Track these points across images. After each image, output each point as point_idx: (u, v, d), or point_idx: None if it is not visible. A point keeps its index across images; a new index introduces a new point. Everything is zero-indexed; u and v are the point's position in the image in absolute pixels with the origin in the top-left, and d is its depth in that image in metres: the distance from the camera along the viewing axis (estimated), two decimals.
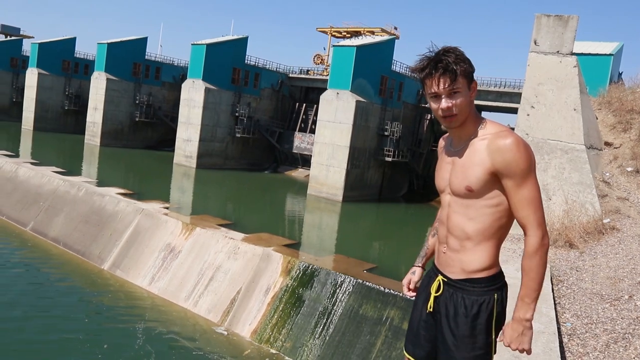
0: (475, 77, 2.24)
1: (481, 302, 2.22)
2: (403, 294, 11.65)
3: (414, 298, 2.59)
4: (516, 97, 34.72)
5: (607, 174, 9.72)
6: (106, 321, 15.84)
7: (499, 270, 2.29)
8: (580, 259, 6.95)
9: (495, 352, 2.25)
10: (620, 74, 34.29)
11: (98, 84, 49.13)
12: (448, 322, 2.26)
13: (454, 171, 2.27)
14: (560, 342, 4.69)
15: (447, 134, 2.48)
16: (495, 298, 2.23)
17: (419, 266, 2.66)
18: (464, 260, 2.25)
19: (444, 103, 2.18)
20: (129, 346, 14.27)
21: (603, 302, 5.60)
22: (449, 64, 2.13)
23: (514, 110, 32.25)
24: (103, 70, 48.93)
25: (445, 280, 2.31)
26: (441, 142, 2.52)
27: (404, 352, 2.53)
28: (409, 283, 2.65)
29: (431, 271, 2.48)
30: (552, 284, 5.92)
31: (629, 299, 5.62)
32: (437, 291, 2.33)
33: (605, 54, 32.78)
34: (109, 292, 17.92)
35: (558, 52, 10.66)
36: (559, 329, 4.81)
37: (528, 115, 10.49)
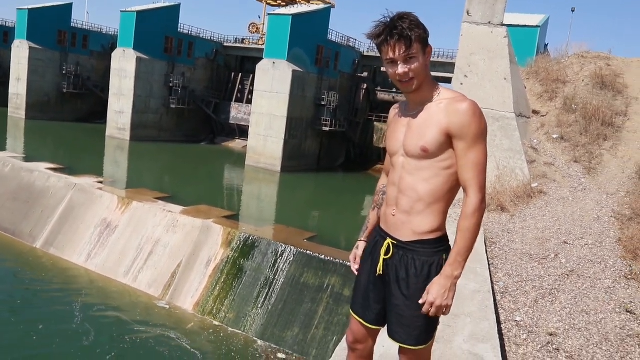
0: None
1: (431, 263, 2.30)
2: (343, 261, 11.83)
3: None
4: (450, 67, 35.50)
5: (535, 141, 10.22)
6: (41, 301, 15.34)
7: (445, 233, 2.37)
8: (511, 221, 7.35)
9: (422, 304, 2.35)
10: (546, 45, 35.63)
11: (20, 53, 46.38)
12: (398, 283, 2.33)
13: (409, 133, 2.32)
14: (494, 299, 5.00)
15: (398, 103, 2.55)
16: (443, 258, 2.32)
17: (363, 240, 2.68)
18: (414, 222, 2.31)
19: (401, 68, 2.23)
20: (66, 325, 13.93)
21: (532, 261, 5.97)
22: (404, 30, 2.17)
23: (449, 80, 33.01)
24: (25, 38, 46.16)
25: (395, 242, 2.36)
26: (393, 111, 2.55)
27: (352, 313, 2.59)
28: (355, 259, 2.68)
29: (376, 235, 2.50)
30: (485, 246, 6.25)
31: (555, 257, 6.03)
32: (386, 254, 2.38)
33: (532, 26, 33.94)
34: (43, 271, 17.35)
35: (489, 22, 10.98)
36: (492, 288, 5.12)
37: (461, 84, 10.81)
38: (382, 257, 2.40)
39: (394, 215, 2.38)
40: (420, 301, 2.25)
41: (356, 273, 2.64)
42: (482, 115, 2.21)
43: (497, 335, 3.74)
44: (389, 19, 2.21)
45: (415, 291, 2.30)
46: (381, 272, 2.41)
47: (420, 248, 2.31)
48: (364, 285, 2.52)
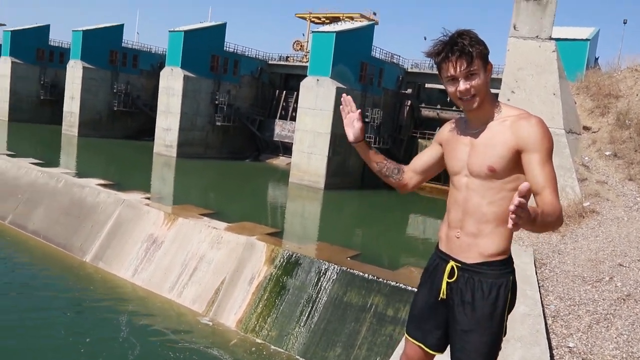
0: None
1: (499, 285, 2.22)
2: (387, 280, 11.53)
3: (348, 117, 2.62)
4: (497, 82, 34.97)
5: (586, 158, 9.86)
6: (89, 314, 15.71)
7: (511, 255, 2.30)
8: (562, 242, 7.07)
9: (505, 334, 2.28)
10: (596, 59, 34.72)
11: (74, 73, 48.26)
12: (463, 307, 2.25)
13: (473, 152, 2.25)
14: (545, 324, 4.78)
15: (453, 120, 2.49)
16: (511, 280, 2.25)
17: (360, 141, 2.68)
18: (481, 244, 2.24)
19: (462, 85, 2.18)
20: (112, 339, 14.16)
21: (585, 284, 5.70)
22: (465, 47, 2.14)
23: (495, 96, 32.46)
24: (79, 58, 48.04)
25: (459, 265, 2.29)
26: (447, 126, 2.49)
27: (409, 337, 2.49)
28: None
29: (437, 258, 2.43)
30: (535, 267, 6.01)
31: (610, 280, 5.74)
32: (450, 277, 2.31)
33: (582, 39, 33.12)
34: (92, 285, 17.77)
35: (537, 37, 10.74)
36: (543, 311, 4.90)
37: (508, 100, 10.57)
38: (445, 280, 2.32)
39: (458, 238, 2.31)
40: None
41: (344, 116, 2.63)
42: (549, 131, 2.15)
43: None
44: (448, 37, 2.18)
45: (481, 315, 2.22)
46: (444, 296, 2.33)
47: (487, 270, 2.24)
48: (424, 309, 2.44)
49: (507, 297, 2.24)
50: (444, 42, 2.18)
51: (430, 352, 2.44)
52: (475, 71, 2.16)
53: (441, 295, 2.33)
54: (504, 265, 2.26)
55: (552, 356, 4.44)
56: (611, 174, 9.21)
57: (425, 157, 2.58)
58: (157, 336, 14.77)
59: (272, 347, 14.65)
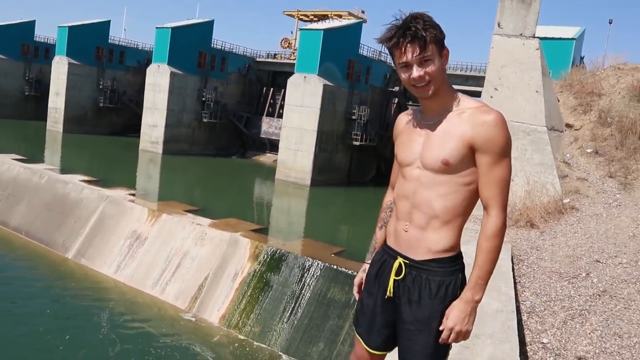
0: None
1: (448, 283, 2.14)
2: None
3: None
4: (482, 80, 35.11)
5: (568, 155, 9.90)
6: (70, 310, 15.57)
7: (460, 251, 2.22)
8: (541, 238, 7.08)
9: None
10: (582, 58, 34.99)
11: (59, 69, 47.75)
12: (410, 305, 2.16)
13: (427, 144, 2.15)
14: (520, 320, 4.77)
15: (409, 110, 2.39)
16: (460, 278, 2.17)
17: (369, 263, 2.46)
18: (429, 239, 2.15)
19: (415, 72, 2.06)
20: (93, 335, 14.04)
21: (561, 280, 5.71)
22: (418, 31, 2.01)
23: (478, 94, 32.61)
24: (64, 54, 47.54)
25: (407, 262, 2.19)
26: (403, 117, 2.38)
27: (357, 336, 2.41)
28: (361, 283, 2.47)
29: (383, 254, 2.33)
30: (512, 263, 6.01)
31: (586, 276, 5.75)
32: (397, 274, 2.20)
33: (567, 38, 33.36)
34: (74, 281, 17.60)
35: (521, 34, 10.75)
36: (518, 307, 4.88)
37: (491, 97, 10.58)
38: (392, 277, 2.21)
39: (406, 231, 2.20)
40: (441, 327, 2.09)
41: (359, 297, 2.44)
42: (508, 128, 2.05)
43: (519, 358, 3.51)
44: (401, 20, 2.05)
45: (429, 314, 2.13)
46: (391, 294, 2.22)
47: (435, 267, 2.14)
48: (371, 308, 2.32)
49: (455, 295, 2.14)
50: (396, 26, 2.06)
51: (375, 352, 2.34)
52: (430, 57, 2.05)
53: (388, 293, 2.23)
54: (453, 262, 2.17)
55: (525, 352, 4.43)
56: (592, 171, 9.26)
57: (396, 171, 2.47)
58: (139, 332, 14.65)
59: (255, 343, 14.60)
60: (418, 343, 2.15)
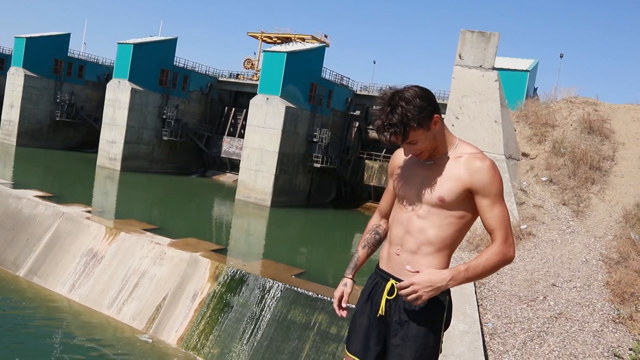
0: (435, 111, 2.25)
1: (436, 304, 2.31)
2: (331, 298, 11.71)
3: (343, 316, 2.58)
4: (444, 108, 36.04)
5: (525, 183, 10.32)
6: (20, 332, 14.98)
7: None
8: None
9: (441, 352, 2.36)
10: (535, 89, 36.38)
11: (15, 80, 46.50)
12: (401, 324, 2.33)
13: (426, 182, 2.34)
14: (483, 341, 4.96)
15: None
16: (447, 299, 2.35)
17: (350, 278, 2.64)
18: (420, 263, 2.32)
19: (406, 151, 2.32)
20: (45, 357, 13.58)
21: (521, 303, 5.96)
22: (397, 128, 2.19)
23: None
24: (21, 65, 46.35)
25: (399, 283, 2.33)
26: (401, 153, 2.54)
27: (349, 354, 2.54)
28: (341, 296, 2.61)
29: (377, 276, 2.51)
30: (475, 287, 6.24)
31: (544, 299, 6.02)
32: (390, 294, 2.38)
33: (522, 70, 34.68)
34: (25, 300, 17.02)
35: (481, 66, 11.22)
36: (481, 328, 5.09)
37: (453, 125, 10.96)
38: (384, 297, 2.39)
39: (398, 255, 2.39)
40: (405, 282, 2.20)
41: (341, 314, 2.58)
42: (499, 172, 2.29)
43: None
44: (381, 109, 2.23)
45: (418, 333, 2.30)
46: (383, 313, 2.40)
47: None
48: (364, 327, 2.49)
49: (443, 315, 2.34)
50: (379, 115, 2.24)
51: None
52: (414, 141, 2.25)
53: (380, 312, 2.40)
54: None
55: None
56: (547, 199, 9.67)
57: (388, 199, 2.66)
58: (94, 353, 14.27)
59: None
60: (407, 358, 2.31)
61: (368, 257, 2.70)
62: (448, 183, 2.29)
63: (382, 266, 2.49)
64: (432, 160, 2.37)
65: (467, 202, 2.29)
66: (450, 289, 2.34)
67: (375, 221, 2.73)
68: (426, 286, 2.15)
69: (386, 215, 2.68)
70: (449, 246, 2.34)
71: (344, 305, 2.59)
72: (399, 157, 2.57)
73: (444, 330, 2.39)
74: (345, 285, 2.63)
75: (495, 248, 2.23)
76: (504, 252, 2.23)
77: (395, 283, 2.36)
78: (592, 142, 11.03)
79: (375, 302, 2.45)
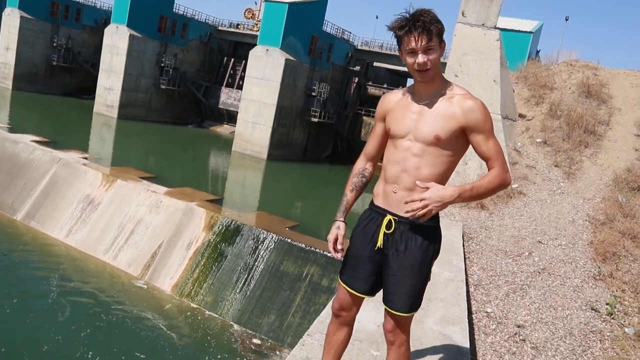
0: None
1: (430, 236, 2.54)
2: (323, 251, 11.92)
3: (338, 258, 2.73)
4: (444, 67, 35.73)
5: (519, 144, 10.42)
6: (18, 274, 15.25)
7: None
8: (490, 219, 7.54)
9: (429, 279, 2.58)
10: (538, 52, 36.02)
11: (10, 22, 45.58)
12: (398, 255, 2.53)
13: (421, 120, 2.50)
14: (467, 291, 5.16)
15: (394, 90, 2.74)
16: (439, 231, 2.59)
17: (342, 221, 2.79)
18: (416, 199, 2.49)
19: (421, 58, 2.41)
20: (42, 300, 13.83)
21: (506, 258, 6.16)
22: (427, 24, 2.37)
23: None
24: (17, 6, 45.27)
25: (397, 218, 2.55)
26: (392, 96, 2.70)
27: (342, 283, 2.73)
28: (336, 239, 2.72)
29: (371, 212, 2.68)
30: (463, 240, 6.42)
31: (529, 255, 6.22)
32: (387, 228, 2.57)
33: (525, 31, 34.25)
34: (22, 244, 17.27)
35: (483, 24, 11.13)
36: (466, 279, 5.28)
37: None
38: (382, 231, 2.57)
39: (395, 192, 2.55)
40: (416, 197, 2.41)
41: (337, 256, 2.73)
42: (489, 111, 2.49)
43: (467, 320, 3.90)
44: (410, 14, 2.41)
45: (413, 262, 2.51)
46: (381, 246, 2.58)
47: (421, 223, 2.50)
48: (358, 259, 2.67)
49: (436, 246, 2.57)
50: (407, 18, 2.41)
51: (361, 295, 2.70)
52: (433, 47, 2.41)
53: (378, 244, 2.59)
54: (435, 219, 2.57)
55: (471, 320, 4.84)
56: (540, 160, 9.80)
57: (375, 142, 2.81)
58: (89, 298, 14.59)
59: (207, 312, 14.80)
60: (403, 286, 2.54)
61: (356, 199, 2.86)
62: (443, 122, 2.45)
63: (378, 203, 2.65)
64: (427, 98, 2.53)
65: (458, 140, 2.48)
66: (441, 228, 2.58)
67: (360, 164, 2.88)
68: (436, 201, 2.37)
69: (372, 159, 2.84)
70: (441, 182, 2.52)
71: (338, 247, 2.72)
72: (390, 99, 2.71)
73: (434, 260, 2.59)
74: (339, 228, 2.77)
75: (496, 172, 2.44)
76: (503, 177, 2.44)
77: (393, 218, 2.55)
78: (589, 106, 11.08)
79: (371, 236, 2.62)
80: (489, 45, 11.04)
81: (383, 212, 2.61)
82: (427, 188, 2.40)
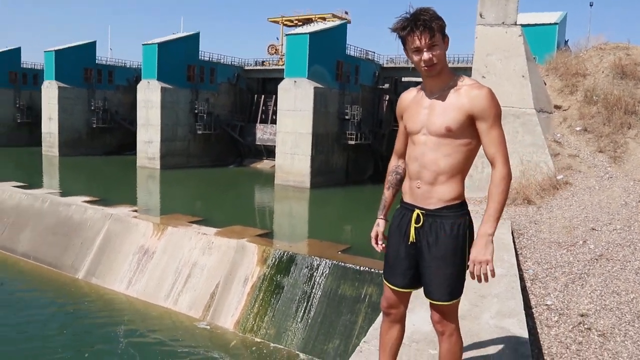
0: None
1: (459, 224, 2.61)
2: (379, 270, 11.97)
3: (380, 250, 2.91)
4: (469, 71, 35.55)
5: (558, 135, 10.27)
6: (86, 329, 15.77)
7: (465, 199, 2.69)
8: (538, 213, 7.44)
9: (468, 268, 2.60)
10: (566, 42, 35.41)
11: (50, 93, 47.96)
12: (429, 246, 2.61)
13: (432, 113, 2.61)
14: (524, 287, 5.13)
15: (409, 89, 2.85)
16: (468, 219, 2.65)
17: (382, 218, 2.95)
18: (439, 192, 2.60)
19: (426, 55, 2.53)
20: (111, 352, 14.26)
21: (560, 249, 6.07)
22: (427, 22, 2.48)
23: None
24: (53, 78, 47.74)
25: (424, 212, 2.65)
26: (406, 95, 2.84)
27: (386, 282, 2.85)
28: (377, 235, 2.93)
29: (402, 209, 2.78)
30: (513, 237, 6.37)
31: (583, 243, 6.11)
32: (417, 223, 2.66)
33: (550, 23, 33.80)
34: (86, 301, 17.87)
35: (503, 23, 11.13)
36: (521, 275, 5.24)
37: None
38: (413, 226, 2.67)
39: (418, 188, 2.66)
40: (469, 264, 2.51)
41: (379, 249, 2.90)
42: (497, 99, 2.54)
43: (523, 311, 3.89)
44: (411, 14, 2.53)
45: (446, 251, 2.59)
46: (414, 240, 2.67)
47: (447, 213, 2.60)
48: (396, 255, 2.77)
49: (465, 233, 2.62)
50: (408, 18, 2.53)
51: (403, 290, 2.79)
52: (436, 42, 2.52)
53: (411, 239, 2.68)
54: (461, 208, 2.64)
55: (531, 314, 4.80)
56: (582, 148, 9.63)
57: (401, 139, 2.94)
58: (156, 344, 14.93)
59: (272, 344, 14.91)
60: (439, 276, 2.61)
61: (394, 196, 3.00)
62: (452, 113, 2.55)
63: (406, 199, 2.76)
64: (436, 93, 2.63)
65: (470, 128, 2.56)
66: (470, 212, 2.67)
67: (394, 162, 3.02)
68: (480, 251, 2.47)
69: (402, 155, 2.95)
70: (461, 171, 2.62)
71: (380, 242, 2.90)
72: (405, 98, 2.84)
73: (469, 248, 2.62)
74: (378, 225, 2.95)
75: (498, 174, 2.51)
76: (506, 176, 2.52)
77: (421, 212, 2.65)
78: (625, 86, 10.85)
79: (405, 232, 2.72)
80: (512, 42, 11.01)
81: (411, 208, 2.70)
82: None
